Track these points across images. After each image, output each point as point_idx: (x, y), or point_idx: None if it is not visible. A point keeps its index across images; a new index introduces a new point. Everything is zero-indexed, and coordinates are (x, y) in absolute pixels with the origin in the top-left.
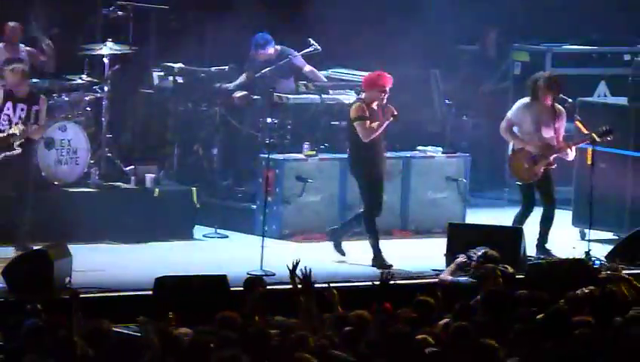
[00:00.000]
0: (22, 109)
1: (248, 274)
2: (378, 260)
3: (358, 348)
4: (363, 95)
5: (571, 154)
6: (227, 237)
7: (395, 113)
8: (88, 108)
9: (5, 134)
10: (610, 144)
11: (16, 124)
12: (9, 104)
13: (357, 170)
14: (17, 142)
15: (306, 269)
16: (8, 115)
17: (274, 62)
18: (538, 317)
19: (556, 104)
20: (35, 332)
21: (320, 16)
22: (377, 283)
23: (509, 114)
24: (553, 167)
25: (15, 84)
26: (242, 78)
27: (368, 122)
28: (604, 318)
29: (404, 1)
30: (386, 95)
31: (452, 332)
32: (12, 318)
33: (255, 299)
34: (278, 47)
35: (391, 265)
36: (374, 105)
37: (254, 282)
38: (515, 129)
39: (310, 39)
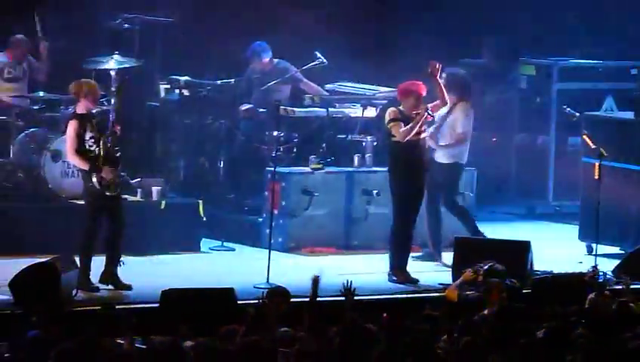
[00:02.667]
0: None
1: (255, 286)
2: (403, 274)
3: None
4: (400, 106)
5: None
6: (234, 250)
7: (429, 107)
8: None
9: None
10: (616, 158)
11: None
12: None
13: (394, 180)
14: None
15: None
16: (93, 134)
17: (271, 73)
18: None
19: (464, 102)
20: (37, 343)
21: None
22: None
23: None
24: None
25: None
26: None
27: (402, 124)
28: (616, 331)
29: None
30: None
31: (461, 347)
32: (17, 330)
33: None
34: (275, 60)
35: (417, 280)
36: (413, 114)
37: (276, 293)
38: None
39: (317, 52)
